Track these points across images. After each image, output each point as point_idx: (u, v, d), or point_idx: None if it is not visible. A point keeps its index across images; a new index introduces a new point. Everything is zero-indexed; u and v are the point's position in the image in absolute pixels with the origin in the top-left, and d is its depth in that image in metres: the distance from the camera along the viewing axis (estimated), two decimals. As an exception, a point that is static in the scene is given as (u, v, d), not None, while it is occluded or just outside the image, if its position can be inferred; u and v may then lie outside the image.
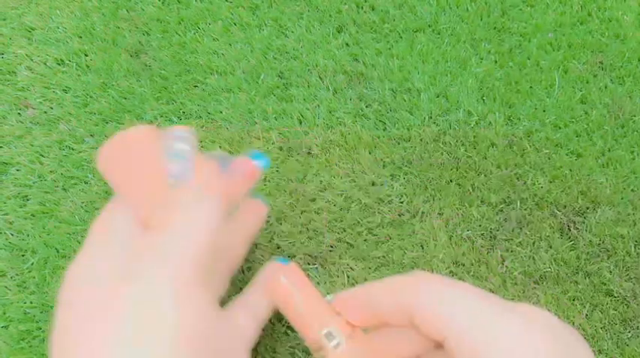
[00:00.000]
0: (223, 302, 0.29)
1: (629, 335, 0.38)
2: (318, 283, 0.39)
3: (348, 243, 0.40)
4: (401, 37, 0.48)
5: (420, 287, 0.23)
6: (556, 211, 0.41)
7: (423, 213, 0.41)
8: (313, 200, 0.41)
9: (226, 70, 0.46)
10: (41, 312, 0.37)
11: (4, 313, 0.37)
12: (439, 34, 0.48)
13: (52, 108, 0.44)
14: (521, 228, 0.41)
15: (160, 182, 0.25)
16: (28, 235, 0.39)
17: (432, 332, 0.22)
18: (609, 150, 0.44)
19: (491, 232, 0.41)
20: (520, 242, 0.40)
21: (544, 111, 0.45)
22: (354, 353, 0.23)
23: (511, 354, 0.19)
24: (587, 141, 0.44)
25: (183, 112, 0.44)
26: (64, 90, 0.44)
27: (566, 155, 0.44)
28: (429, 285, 0.23)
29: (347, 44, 0.47)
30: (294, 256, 0.39)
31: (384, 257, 0.39)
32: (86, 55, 0.46)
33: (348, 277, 0.38)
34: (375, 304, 0.24)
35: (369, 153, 0.43)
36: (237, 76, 0.46)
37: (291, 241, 0.40)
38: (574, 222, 0.41)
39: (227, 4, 0.48)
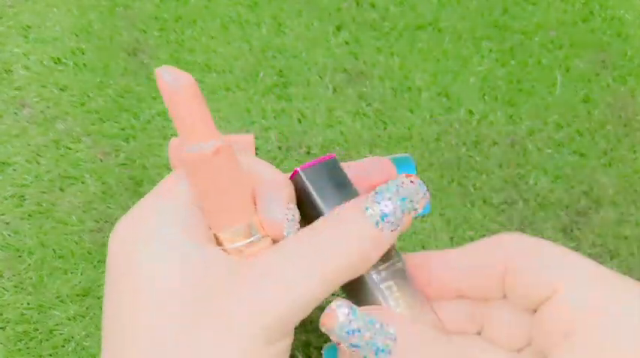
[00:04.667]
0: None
1: (632, 336, 0.37)
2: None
3: (348, 243, 0.39)
4: (401, 35, 0.47)
5: (513, 244, 0.21)
6: (559, 211, 0.41)
7: (424, 213, 0.41)
8: (313, 200, 0.41)
9: (224, 68, 0.45)
10: (38, 313, 0.37)
11: (1, 314, 0.37)
12: (440, 31, 0.48)
13: (48, 107, 0.43)
14: (523, 229, 0.40)
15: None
16: (24, 235, 0.39)
17: (532, 296, 0.20)
18: (612, 150, 0.44)
19: (493, 233, 0.40)
20: (522, 242, 0.40)
21: (546, 110, 0.45)
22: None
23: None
24: (589, 141, 0.44)
25: (182, 111, 0.44)
26: (60, 89, 0.44)
27: (569, 154, 0.43)
28: (523, 243, 0.21)
29: (347, 42, 0.47)
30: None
31: (384, 258, 0.39)
32: (83, 54, 0.45)
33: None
34: (454, 267, 0.21)
35: (370, 152, 0.43)
36: (236, 75, 0.45)
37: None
38: (576, 223, 0.40)
39: (225, 1, 0.48)
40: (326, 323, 0.18)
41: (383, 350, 0.18)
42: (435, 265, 0.22)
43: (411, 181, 0.21)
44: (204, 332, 0.17)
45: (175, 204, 0.20)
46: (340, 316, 0.18)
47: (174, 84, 0.18)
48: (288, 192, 0.21)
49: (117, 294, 0.19)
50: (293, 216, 0.20)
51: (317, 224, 0.20)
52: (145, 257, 0.19)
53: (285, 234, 0.20)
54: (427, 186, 0.20)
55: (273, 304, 0.18)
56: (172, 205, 0.20)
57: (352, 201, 0.20)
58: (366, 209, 0.19)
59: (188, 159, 0.19)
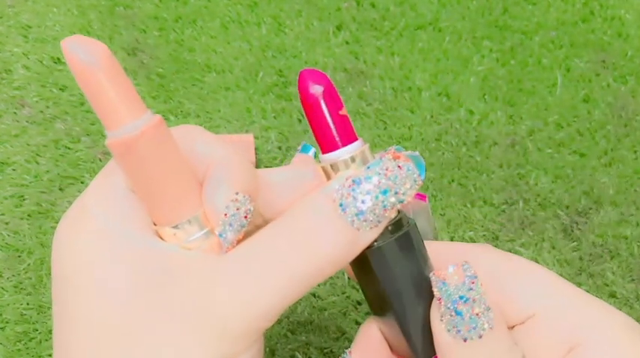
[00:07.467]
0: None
1: (633, 336, 0.37)
2: (317, 285, 0.38)
3: (348, 243, 0.39)
4: (402, 35, 0.47)
5: (480, 256, 0.19)
6: (559, 212, 0.41)
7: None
8: (313, 200, 0.41)
9: (224, 68, 0.45)
10: (38, 313, 0.37)
11: (1, 314, 0.37)
12: (440, 31, 0.48)
13: (48, 107, 0.43)
14: (523, 229, 0.40)
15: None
16: (24, 235, 0.39)
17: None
18: (612, 150, 0.44)
19: (493, 233, 0.40)
20: (523, 243, 0.40)
21: (546, 110, 0.45)
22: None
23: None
24: (589, 141, 0.44)
25: (181, 111, 0.44)
26: (60, 88, 0.44)
27: (569, 154, 0.43)
28: (493, 258, 0.19)
29: (347, 42, 0.47)
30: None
31: (384, 258, 0.39)
32: (83, 53, 0.45)
33: (349, 278, 0.38)
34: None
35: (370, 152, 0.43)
36: (236, 74, 0.45)
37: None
38: (577, 223, 0.40)
39: (225, 1, 0.48)
40: (446, 277, 0.16)
41: (481, 330, 0.16)
42: None
43: (399, 166, 0.17)
44: (158, 333, 0.15)
45: (112, 193, 0.17)
46: (466, 278, 0.16)
47: (91, 61, 0.15)
48: (241, 175, 0.17)
49: (59, 293, 0.18)
50: (238, 208, 0.16)
51: (284, 221, 0.17)
52: (78, 252, 0.17)
53: (217, 232, 0.16)
54: (424, 164, 0.18)
55: (238, 307, 0.15)
56: (109, 194, 0.17)
57: (323, 188, 0.17)
58: (340, 205, 0.16)
59: (112, 147, 0.16)
